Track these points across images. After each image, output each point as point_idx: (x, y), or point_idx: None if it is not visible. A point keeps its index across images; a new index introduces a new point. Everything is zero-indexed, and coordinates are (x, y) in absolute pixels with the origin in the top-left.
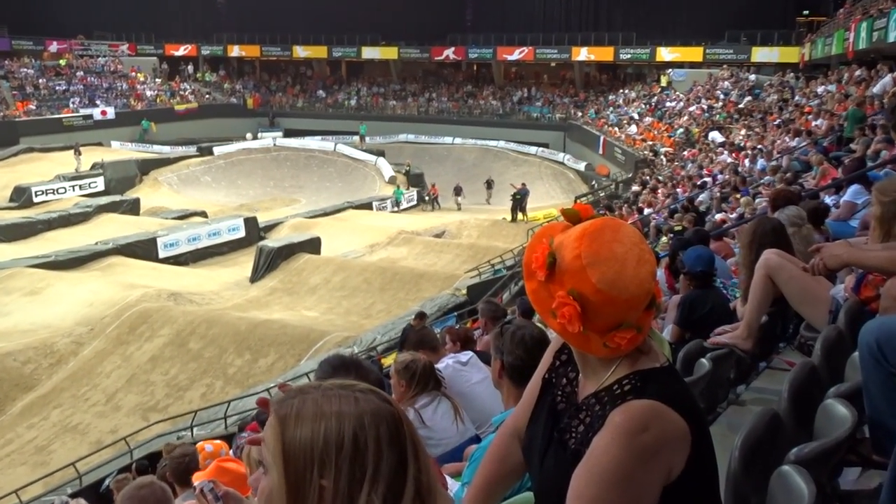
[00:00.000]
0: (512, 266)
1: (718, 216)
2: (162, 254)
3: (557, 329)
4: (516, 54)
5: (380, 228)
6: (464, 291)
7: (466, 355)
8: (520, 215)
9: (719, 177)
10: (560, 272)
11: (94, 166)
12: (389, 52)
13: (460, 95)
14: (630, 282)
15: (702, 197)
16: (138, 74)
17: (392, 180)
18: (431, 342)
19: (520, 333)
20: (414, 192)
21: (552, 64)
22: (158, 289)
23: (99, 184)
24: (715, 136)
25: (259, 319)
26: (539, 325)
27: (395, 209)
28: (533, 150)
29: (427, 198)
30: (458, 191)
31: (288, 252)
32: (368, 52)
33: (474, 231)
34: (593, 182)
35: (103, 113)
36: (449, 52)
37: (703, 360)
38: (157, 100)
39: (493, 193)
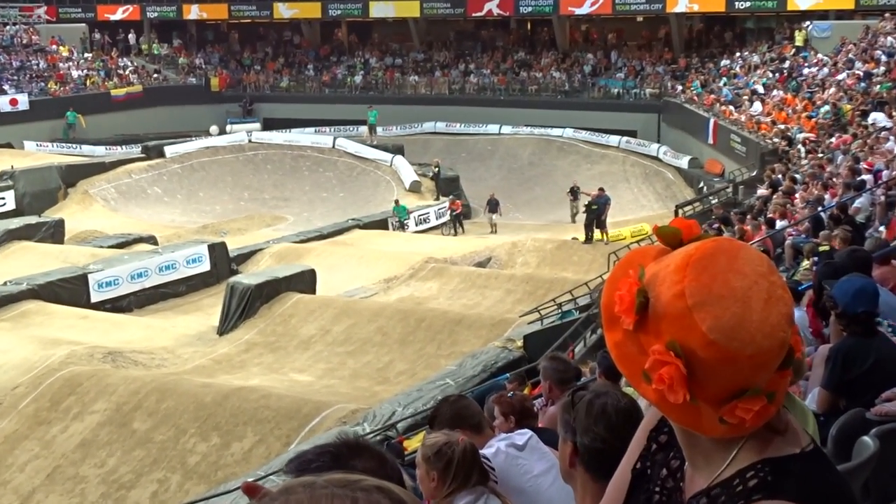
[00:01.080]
0: (588, 306)
1: (883, 230)
2: (95, 296)
3: (653, 398)
4: (587, 6)
5: (399, 256)
6: (519, 343)
7: (524, 436)
8: (597, 233)
9: (884, 173)
10: (655, 317)
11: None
12: (408, 9)
13: (509, 66)
14: (756, 329)
15: (859, 202)
16: (61, 48)
17: (415, 188)
18: (473, 417)
19: (600, 403)
20: (444, 205)
21: (639, 18)
22: (91, 346)
23: (7, 200)
24: (877, 116)
25: (231, 388)
26: (627, 391)
27: (402, 229)
28: (614, 140)
29: (450, 215)
30: (492, 206)
31: (271, 291)
32: (379, 9)
33: (533, 257)
34: (701, 184)
35: (13, 102)
36: (492, 6)
37: (867, 439)
38: (88, 82)
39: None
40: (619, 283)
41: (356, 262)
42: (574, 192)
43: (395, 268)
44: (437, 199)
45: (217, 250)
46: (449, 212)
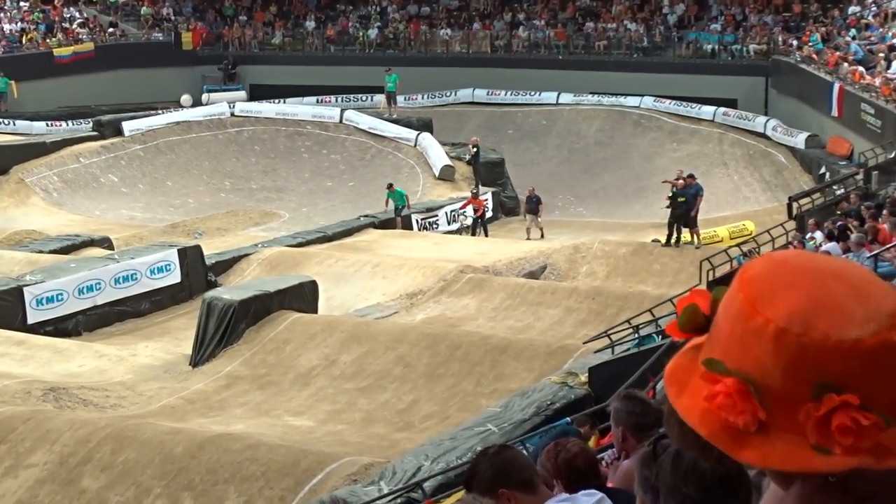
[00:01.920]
0: None
1: None
2: (33, 316)
3: (706, 432)
4: None
5: (426, 263)
6: (583, 378)
7: (591, 497)
8: (685, 234)
9: None
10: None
11: None
12: None
13: (570, 16)
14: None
15: None
16: None
17: (447, 175)
18: (522, 473)
19: (690, 457)
20: (488, 195)
21: None
22: (27, 380)
23: None
24: None
25: (208, 435)
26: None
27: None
28: (707, 112)
29: (472, 218)
30: (531, 205)
31: (259, 310)
32: None
33: (601, 264)
34: (822, 169)
35: None
36: None
37: None
38: (23, 39)
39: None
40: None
41: (370, 272)
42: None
43: (421, 279)
44: (476, 189)
45: (190, 256)
46: (474, 214)
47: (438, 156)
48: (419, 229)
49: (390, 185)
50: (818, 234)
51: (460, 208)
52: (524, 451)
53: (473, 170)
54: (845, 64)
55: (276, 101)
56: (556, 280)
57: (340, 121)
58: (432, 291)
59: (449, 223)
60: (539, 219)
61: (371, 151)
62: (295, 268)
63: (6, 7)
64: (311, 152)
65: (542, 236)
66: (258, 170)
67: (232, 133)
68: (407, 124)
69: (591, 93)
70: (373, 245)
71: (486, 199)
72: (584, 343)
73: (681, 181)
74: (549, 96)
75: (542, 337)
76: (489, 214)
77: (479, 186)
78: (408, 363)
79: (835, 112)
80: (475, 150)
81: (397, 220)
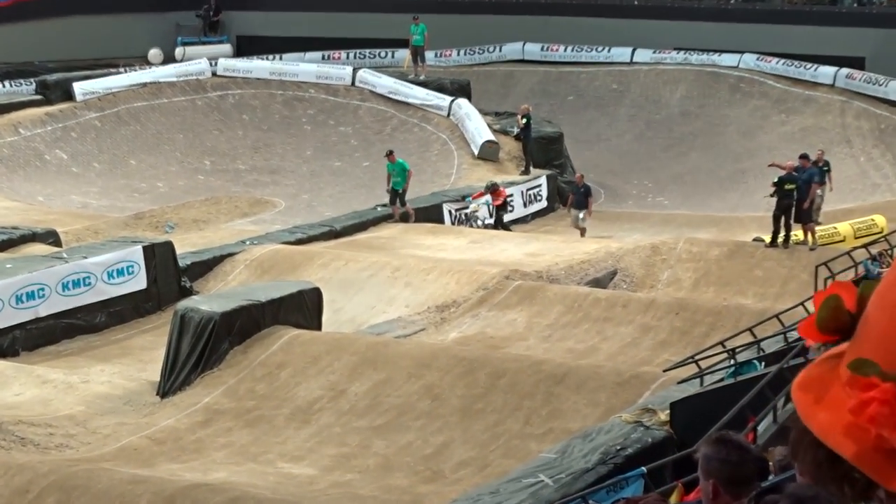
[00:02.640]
0: (781, 354)
1: None
2: None
3: (851, 452)
4: None
5: (462, 266)
6: (664, 416)
7: None
8: (795, 231)
9: None
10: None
11: None
12: None
13: None
14: None
15: None
16: None
17: (489, 153)
18: None
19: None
20: (542, 181)
21: None
22: None
23: None
24: None
25: (180, 485)
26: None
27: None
28: (826, 73)
29: (482, 210)
30: (578, 199)
31: (247, 325)
32: None
33: (687, 270)
34: None
35: None
36: None
37: None
38: None
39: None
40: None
41: (389, 278)
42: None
43: (455, 287)
44: (527, 171)
45: (159, 256)
46: (488, 205)
47: (478, 129)
48: (453, 223)
49: (390, 154)
50: None
51: (474, 197)
52: None
53: (523, 147)
54: None
55: (270, 57)
56: (629, 289)
57: (352, 83)
58: (469, 303)
59: (491, 215)
60: (585, 216)
61: (391, 123)
62: (293, 271)
63: None
64: (314, 123)
65: (581, 234)
66: (247, 146)
67: (213, 98)
68: (438, 88)
69: (675, 49)
70: (393, 243)
71: (507, 193)
72: (664, 371)
73: (787, 162)
74: (622, 53)
75: (610, 362)
76: (538, 206)
77: (530, 167)
78: (437, 395)
79: None
80: (525, 121)
81: (394, 208)
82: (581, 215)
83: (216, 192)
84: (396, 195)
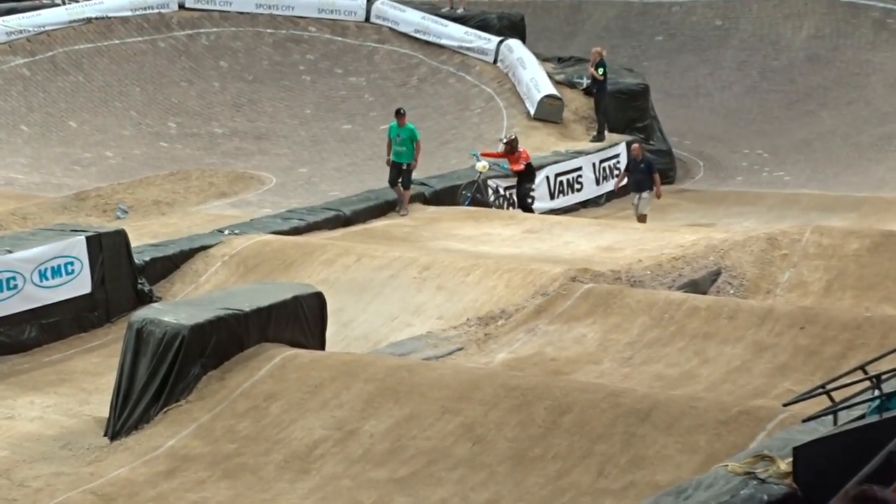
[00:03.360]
0: None
1: None
2: None
3: None
4: None
5: (514, 265)
6: (784, 464)
7: None
8: None
9: None
10: None
11: None
12: None
13: None
14: None
15: None
16: None
17: (549, 113)
18: None
19: None
20: (620, 150)
21: None
22: None
23: None
24: None
25: None
26: None
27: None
28: None
29: (481, 189)
30: (638, 173)
31: (226, 342)
32: None
33: (817, 268)
34: None
35: None
36: None
37: None
38: None
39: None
40: None
41: (417, 279)
42: None
43: (504, 292)
44: (600, 137)
45: (107, 250)
46: (492, 190)
47: (535, 80)
48: (499, 205)
49: (400, 113)
50: None
51: (484, 154)
52: None
53: (595, 104)
54: None
55: None
56: (738, 295)
57: (367, 19)
58: (523, 313)
59: (553, 196)
60: (648, 199)
61: (418, 72)
62: (287, 271)
63: None
64: (315, 73)
65: (642, 217)
66: (225, 101)
67: (181, 39)
68: (482, 25)
69: None
70: (421, 232)
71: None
72: (784, 405)
73: None
74: None
75: (711, 393)
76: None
77: (605, 131)
78: (480, 437)
79: None
80: (600, 70)
81: (398, 188)
82: (644, 197)
83: (184, 165)
84: (399, 172)
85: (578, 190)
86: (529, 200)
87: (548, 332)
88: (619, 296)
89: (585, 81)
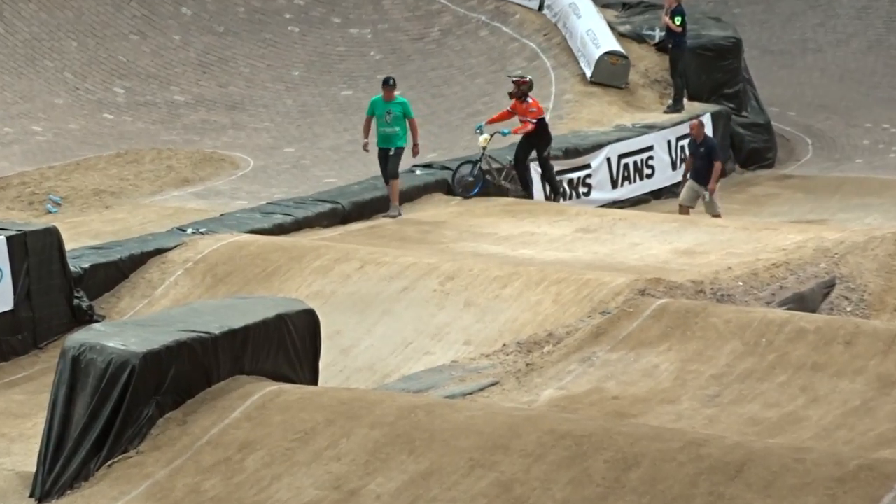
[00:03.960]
0: None
1: None
2: None
3: None
4: None
5: (564, 274)
6: None
7: None
8: None
9: None
10: None
11: None
12: None
13: None
14: None
15: None
16: None
17: (609, 76)
18: None
19: None
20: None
21: None
22: None
23: None
24: None
25: None
26: None
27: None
28: None
29: (494, 173)
30: (699, 158)
31: (188, 373)
32: None
33: None
34: None
35: None
36: None
37: None
38: None
39: None
40: None
41: (438, 293)
42: None
43: (552, 309)
44: (677, 107)
45: (35, 255)
46: (503, 172)
47: (593, 33)
48: (548, 196)
49: (389, 84)
50: None
51: (490, 121)
52: None
53: (671, 64)
54: None
55: None
56: (858, 314)
57: None
58: (576, 337)
59: (617, 184)
60: (709, 194)
61: (441, 21)
62: (268, 281)
63: None
64: (305, 23)
65: (714, 211)
66: (188, 61)
67: None
68: None
69: None
70: (443, 231)
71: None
72: None
73: None
74: None
75: (822, 442)
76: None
77: (683, 99)
78: (520, 499)
79: None
80: (677, 19)
81: (392, 182)
82: (698, 190)
83: (135, 143)
84: (388, 159)
85: (649, 176)
86: (551, 174)
87: (609, 361)
88: (703, 314)
89: (659, 34)
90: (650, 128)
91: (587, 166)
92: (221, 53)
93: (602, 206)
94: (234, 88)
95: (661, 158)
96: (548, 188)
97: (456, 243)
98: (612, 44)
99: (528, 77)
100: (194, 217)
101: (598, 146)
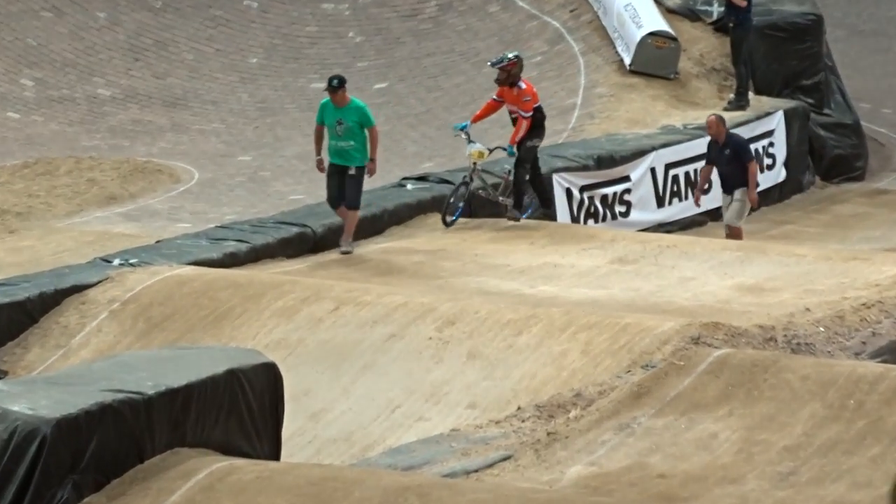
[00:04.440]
0: None
1: None
2: None
3: None
4: None
5: (595, 313)
6: None
7: None
8: None
9: None
10: None
11: None
12: None
13: None
14: None
15: None
16: None
17: (654, 58)
18: None
19: None
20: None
21: None
22: None
23: None
24: None
25: None
26: None
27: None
28: None
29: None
30: (722, 162)
31: (113, 445)
32: None
33: None
34: None
35: None
36: None
37: None
38: None
39: None
40: None
41: (435, 341)
42: None
43: (580, 362)
44: (741, 102)
45: None
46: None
47: (634, 8)
48: (576, 217)
49: (335, 85)
50: None
51: (488, 110)
52: None
53: (733, 48)
54: None
55: None
56: None
57: None
58: (611, 399)
59: (663, 201)
60: (740, 205)
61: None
62: (217, 326)
63: None
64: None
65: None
66: (117, 45)
67: None
68: None
69: None
70: (440, 263)
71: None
72: None
73: None
74: None
75: None
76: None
77: (748, 92)
78: None
79: None
80: None
81: (343, 209)
82: (736, 199)
83: (48, 150)
84: (342, 179)
85: (705, 191)
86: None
87: (653, 429)
88: (773, 369)
89: (717, 10)
90: (692, 133)
91: (625, 179)
92: (158, 35)
93: (644, 229)
94: (174, 80)
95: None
96: (511, 199)
97: (457, 278)
98: (658, 23)
99: (515, 54)
100: (123, 245)
101: (640, 153)
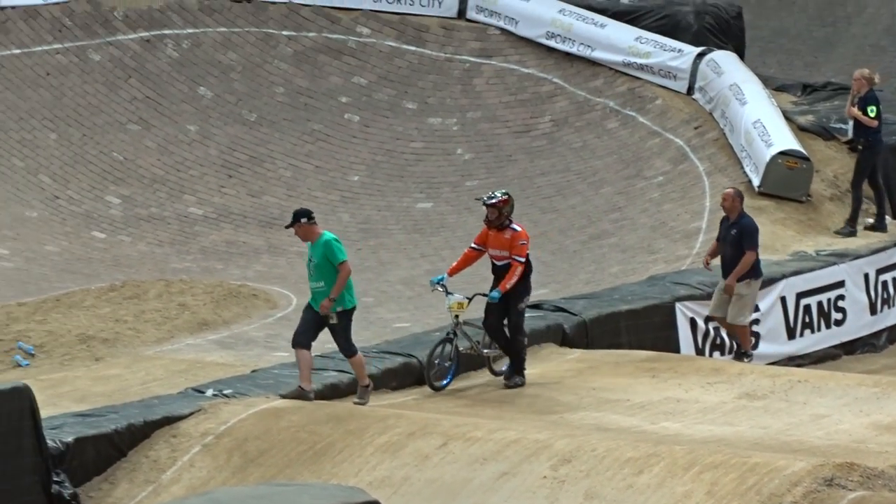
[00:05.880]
0: None
1: None
2: None
3: None
4: None
5: (721, 452)
6: None
7: None
8: None
9: None
10: None
11: None
12: None
13: None
14: None
15: None
16: None
17: (784, 179)
18: None
19: None
20: None
21: None
22: None
23: None
24: None
25: None
26: None
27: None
28: None
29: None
30: (729, 242)
31: None
32: None
33: None
34: None
35: None
36: None
37: None
38: None
39: None
40: None
41: (549, 480)
42: None
43: (702, 503)
44: (879, 225)
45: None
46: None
47: (763, 124)
48: (700, 349)
49: (302, 219)
50: None
51: (469, 259)
52: None
53: (857, 168)
54: None
55: None
56: None
57: (461, 14)
58: None
59: (794, 333)
60: (740, 292)
61: (554, 107)
62: (317, 463)
63: None
64: (369, 107)
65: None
66: (207, 160)
67: (129, 47)
68: (668, 25)
69: None
70: (556, 396)
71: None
72: None
73: None
74: None
75: None
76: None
77: (886, 216)
78: None
79: None
80: (870, 109)
81: (351, 360)
82: (739, 289)
83: (135, 271)
84: (315, 322)
85: (839, 322)
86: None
87: None
88: None
89: (852, 129)
90: (841, 256)
91: (754, 309)
92: (253, 150)
93: (774, 363)
94: (269, 198)
95: (855, 299)
96: (494, 349)
97: (574, 413)
98: (790, 141)
99: (505, 192)
100: (216, 374)
101: (770, 281)
